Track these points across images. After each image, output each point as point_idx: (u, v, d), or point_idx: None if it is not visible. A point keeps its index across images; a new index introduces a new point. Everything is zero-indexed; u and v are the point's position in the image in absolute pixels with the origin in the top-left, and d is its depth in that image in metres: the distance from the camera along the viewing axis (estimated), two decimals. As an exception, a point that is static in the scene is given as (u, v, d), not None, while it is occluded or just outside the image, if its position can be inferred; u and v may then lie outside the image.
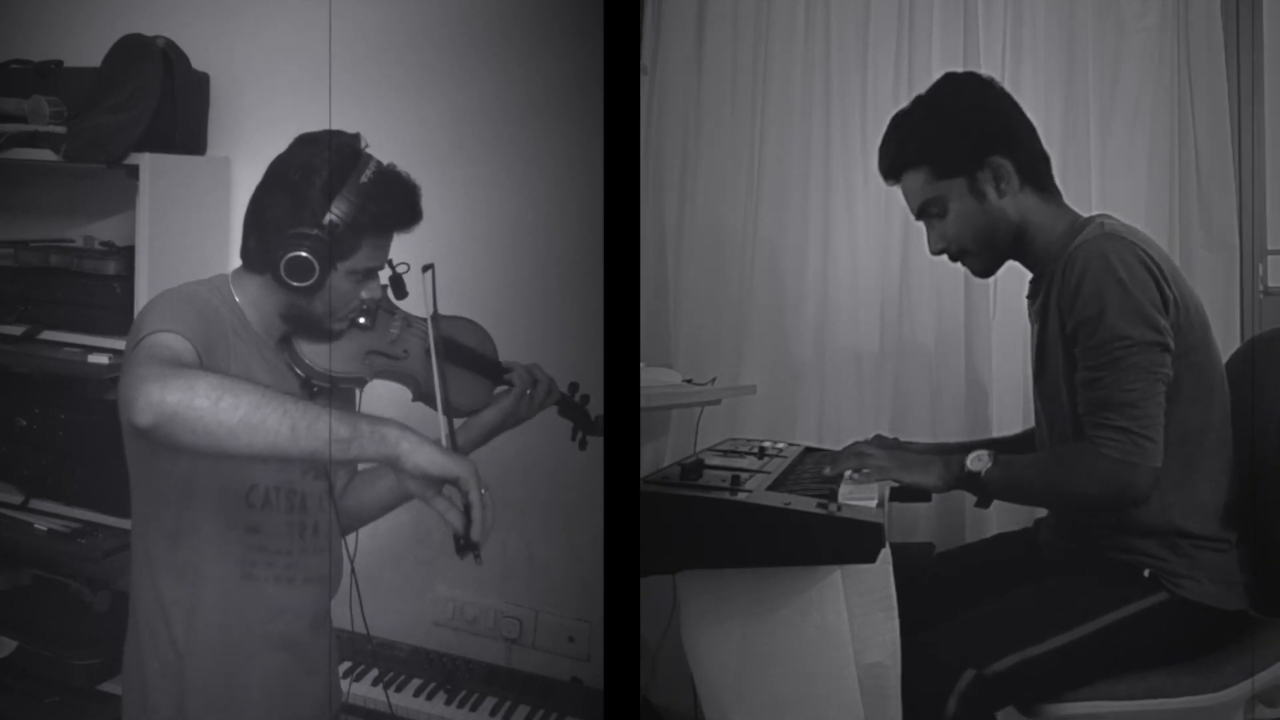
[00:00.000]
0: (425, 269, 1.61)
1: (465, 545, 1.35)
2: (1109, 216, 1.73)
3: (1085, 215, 1.76)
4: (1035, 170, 1.74)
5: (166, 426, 1.24)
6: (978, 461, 1.65)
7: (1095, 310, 1.58)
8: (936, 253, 1.79)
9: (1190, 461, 1.63)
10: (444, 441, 1.54)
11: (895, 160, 1.77)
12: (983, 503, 1.69)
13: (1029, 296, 1.83)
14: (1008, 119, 1.76)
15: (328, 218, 1.50)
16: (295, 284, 1.51)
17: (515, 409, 1.67)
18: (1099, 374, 1.58)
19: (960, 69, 2.47)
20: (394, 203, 1.56)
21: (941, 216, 1.74)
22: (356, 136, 1.56)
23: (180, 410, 1.24)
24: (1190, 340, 1.63)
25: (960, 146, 1.72)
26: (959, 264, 1.81)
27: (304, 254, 1.50)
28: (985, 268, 1.80)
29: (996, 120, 1.74)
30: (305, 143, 1.56)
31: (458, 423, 1.62)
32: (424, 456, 1.31)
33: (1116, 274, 1.58)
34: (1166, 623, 1.64)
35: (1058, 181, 1.79)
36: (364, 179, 1.53)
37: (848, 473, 1.71)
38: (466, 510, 1.32)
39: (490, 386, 1.69)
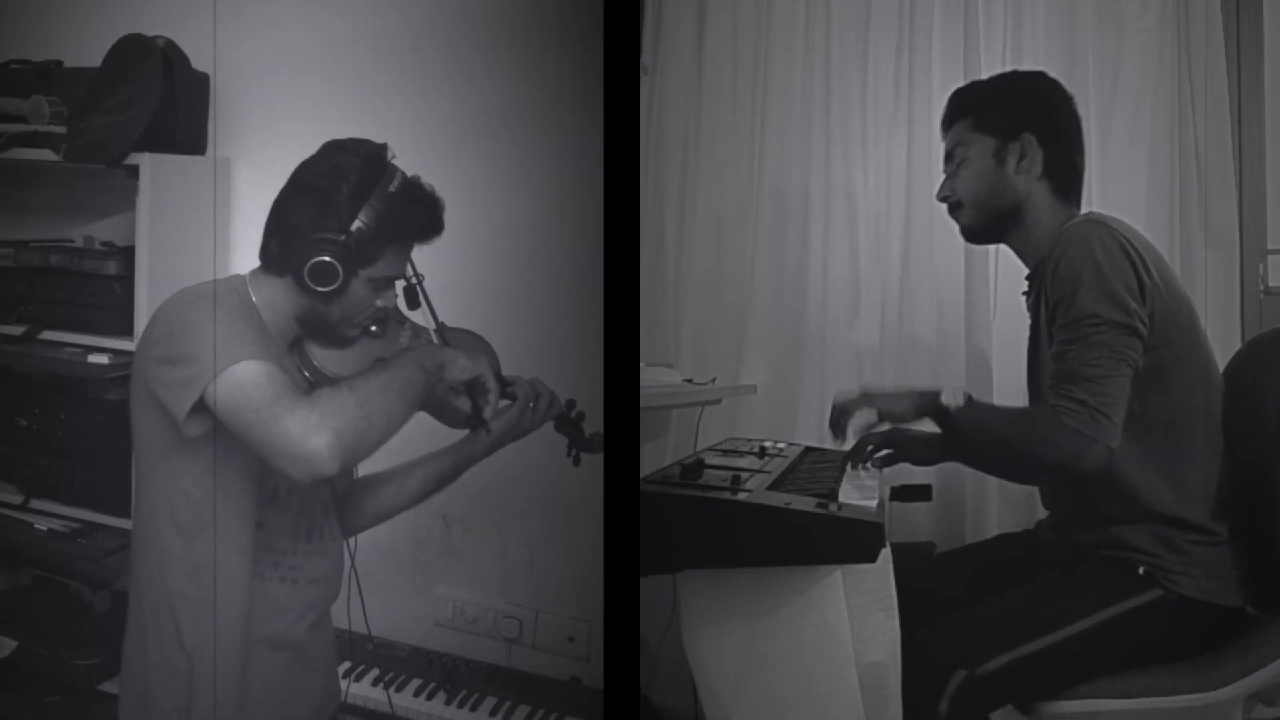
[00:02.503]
0: (410, 280, 1.65)
1: (478, 422, 1.62)
2: (1099, 212, 1.80)
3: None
4: (1062, 175, 1.81)
5: (348, 459, 1.39)
6: (953, 397, 1.72)
7: (1070, 289, 1.62)
8: (940, 199, 1.87)
9: (1179, 448, 1.66)
10: None
11: (953, 108, 1.88)
12: (948, 438, 1.79)
13: (1025, 293, 1.86)
14: (1061, 119, 1.83)
15: (355, 224, 1.51)
16: (318, 289, 1.52)
17: (519, 422, 1.69)
18: (1068, 348, 1.62)
19: (960, 69, 2.49)
20: (418, 214, 1.58)
21: (959, 164, 1.84)
22: (384, 146, 1.58)
23: (354, 444, 1.39)
24: (1173, 331, 1.65)
25: (1005, 112, 1.81)
26: (952, 221, 1.89)
27: (328, 259, 1.51)
28: (973, 227, 1.86)
29: (1048, 111, 1.82)
30: (334, 149, 1.56)
31: (460, 433, 1.71)
32: (459, 367, 1.58)
33: (1093, 254, 1.62)
34: (1162, 619, 1.64)
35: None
36: (391, 189, 1.54)
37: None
38: (478, 394, 1.60)
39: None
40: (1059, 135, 1.81)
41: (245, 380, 1.40)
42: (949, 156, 1.87)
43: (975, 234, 1.88)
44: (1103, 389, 1.58)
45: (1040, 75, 1.90)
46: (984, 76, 1.98)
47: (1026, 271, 1.86)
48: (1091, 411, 1.57)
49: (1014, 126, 1.79)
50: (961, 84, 1.98)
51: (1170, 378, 1.65)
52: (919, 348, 2.55)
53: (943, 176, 1.88)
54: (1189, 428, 1.68)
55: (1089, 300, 1.60)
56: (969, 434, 1.76)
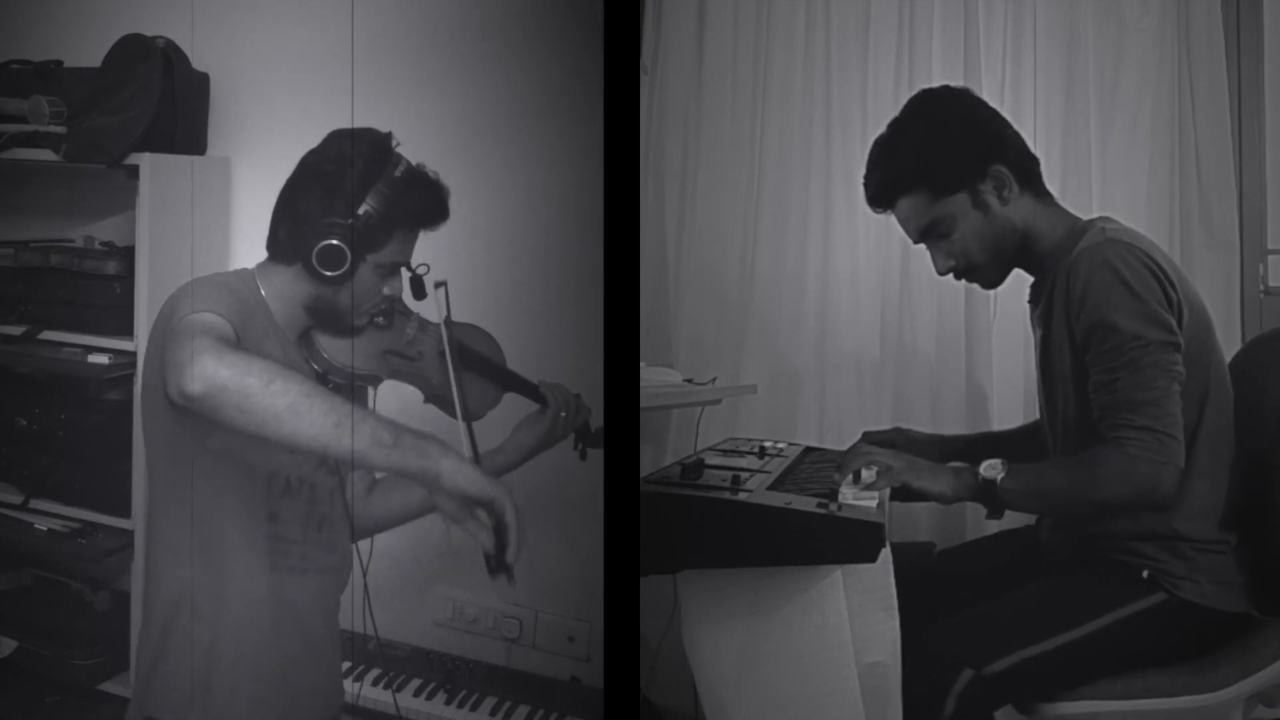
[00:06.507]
0: (438, 285, 1.64)
1: (498, 566, 1.36)
2: (1109, 220, 1.74)
3: (1084, 218, 1.76)
4: (1029, 174, 1.75)
5: (216, 398, 1.26)
6: (992, 470, 1.62)
7: (1105, 315, 1.57)
8: (944, 273, 1.77)
9: (1191, 462, 1.63)
10: (466, 450, 1.57)
11: (886, 187, 1.76)
12: (995, 513, 1.66)
13: (1031, 301, 1.83)
14: (997, 125, 1.76)
15: (362, 208, 1.53)
16: (327, 273, 1.54)
17: (551, 432, 1.72)
18: (1115, 376, 1.57)
19: (960, 69, 2.49)
20: (425, 199, 1.60)
21: (946, 236, 1.74)
22: (389, 135, 1.60)
23: (231, 384, 1.27)
24: (1193, 343, 1.63)
25: (958, 161, 1.71)
26: (965, 282, 1.80)
27: (336, 242, 1.53)
28: (993, 279, 1.80)
29: (988, 128, 1.74)
30: (340, 137, 1.59)
31: (491, 445, 1.69)
32: (464, 477, 1.33)
33: (1122, 277, 1.58)
34: (1165, 623, 1.64)
35: (1057, 183, 1.79)
36: (397, 174, 1.57)
37: (854, 473, 1.68)
38: (499, 531, 1.34)
39: (499, 391, 1.72)
40: (1007, 143, 1.74)
41: (191, 321, 1.37)
42: (925, 233, 1.75)
43: (997, 282, 1.81)
44: (1164, 410, 1.54)
45: (945, 100, 1.78)
46: (883, 134, 1.80)
47: (1030, 279, 1.81)
48: (1158, 435, 1.54)
49: (975, 167, 1.70)
50: (867, 160, 1.82)
51: (1188, 390, 1.61)
52: (918, 347, 2.55)
53: (924, 248, 1.77)
54: (1208, 441, 1.65)
55: (1130, 324, 1.56)
56: (1023, 503, 1.66)
